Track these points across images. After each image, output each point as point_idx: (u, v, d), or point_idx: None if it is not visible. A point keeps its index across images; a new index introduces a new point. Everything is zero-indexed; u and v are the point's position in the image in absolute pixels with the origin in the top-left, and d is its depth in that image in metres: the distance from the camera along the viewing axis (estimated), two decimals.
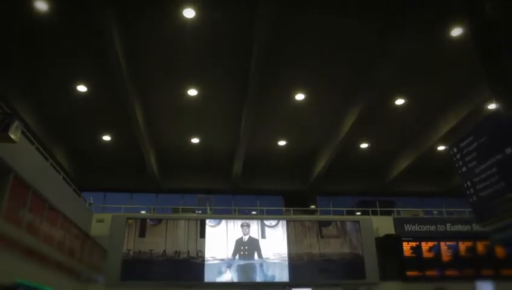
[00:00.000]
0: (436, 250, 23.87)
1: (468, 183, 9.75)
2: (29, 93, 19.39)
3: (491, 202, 9.16)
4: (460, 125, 20.31)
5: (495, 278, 23.39)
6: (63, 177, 20.60)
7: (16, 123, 10.87)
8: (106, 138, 23.69)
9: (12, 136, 10.85)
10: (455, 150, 10.19)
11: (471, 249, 24.09)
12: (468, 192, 9.82)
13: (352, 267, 23.03)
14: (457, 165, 10.08)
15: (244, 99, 19.12)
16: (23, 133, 15.83)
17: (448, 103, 20.70)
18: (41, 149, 17.62)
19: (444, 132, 21.70)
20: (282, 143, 24.69)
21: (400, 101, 20.47)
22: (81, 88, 19.14)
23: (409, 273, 23.18)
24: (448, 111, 21.08)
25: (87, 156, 25.76)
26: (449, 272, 23.42)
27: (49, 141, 22.14)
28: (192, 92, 19.46)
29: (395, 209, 27.25)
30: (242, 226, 23.58)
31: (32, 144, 16.63)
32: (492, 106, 19.13)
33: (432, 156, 25.15)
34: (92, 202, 24.87)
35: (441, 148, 24.09)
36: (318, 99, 20.29)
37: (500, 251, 24.01)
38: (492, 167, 9.00)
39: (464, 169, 9.88)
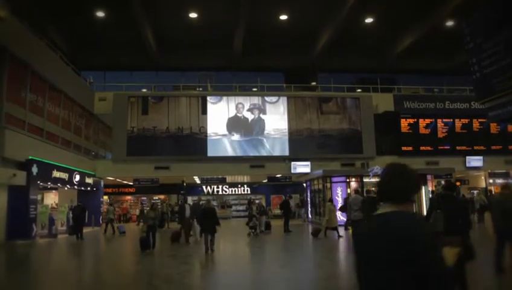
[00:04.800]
0: (433, 127, 24.51)
1: (474, 59, 9.58)
2: None
3: (493, 79, 9.13)
4: None
5: (485, 153, 24.48)
6: (60, 56, 20.24)
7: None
8: (100, 14, 22.61)
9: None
10: (465, 24, 9.81)
11: (467, 126, 24.74)
12: (472, 69, 9.70)
13: (350, 142, 23.87)
14: (465, 40, 9.79)
15: None
16: (13, 13, 15.12)
17: None
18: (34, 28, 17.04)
19: (454, 5, 20.63)
20: (283, 17, 23.65)
21: None
22: None
23: (405, 148, 24.14)
24: None
25: (83, 34, 24.88)
26: (443, 148, 24.40)
27: (42, 20, 21.20)
28: None
29: (395, 86, 27.25)
30: (243, 102, 23.85)
31: (21, 21, 16.00)
32: None
33: (438, 32, 24.30)
34: (92, 80, 24.78)
35: (449, 23, 23.15)
36: None
37: (493, 128, 24.71)
38: (500, 43, 8.77)
39: (472, 45, 9.62)
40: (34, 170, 15.99)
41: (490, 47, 9.07)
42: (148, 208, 18.65)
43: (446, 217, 5.25)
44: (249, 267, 10.03)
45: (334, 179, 22.21)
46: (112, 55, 26.70)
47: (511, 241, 7.19)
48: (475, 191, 26.45)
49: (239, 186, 32.69)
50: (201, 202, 16.23)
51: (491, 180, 26.53)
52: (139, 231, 12.71)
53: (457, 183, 26.02)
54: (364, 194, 15.79)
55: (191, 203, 17.85)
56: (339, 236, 15.29)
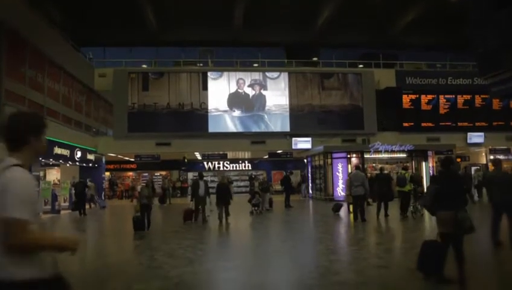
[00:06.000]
0: (435, 103, 24.37)
1: (477, 35, 9.47)
2: None
3: (497, 54, 9.02)
4: None
5: (487, 129, 24.41)
6: (59, 32, 20.00)
7: None
8: None
9: None
10: None
11: (469, 102, 24.59)
12: (475, 44, 9.59)
13: (352, 118, 23.79)
14: (469, 15, 9.66)
15: None
16: None
17: None
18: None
19: None
20: None
21: None
22: None
23: (406, 124, 24.06)
24: None
25: (82, 9, 24.40)
26: (444, 124, 24.30)
27: None
28: None
29: (397, 62, 26.97)
30: (244, 78, 23.68)
31: None
32: None
33: (442, 7, 23.83)
34: (91, 56, 24.56)
35: None
36: None
37: (496, 104, 24.57)
38: (504, 18, 8.63)
39: (475, 20, 9.49)
40: None
41: (494, 22, 8.94)
42: (143, 184, 17.58)
43: (438, 192, 5.32)
44: (253, 246, 10.15)
45: (335, 155, 22.26)
46: (111, 31, 26.36)
47: (506, 213, 7.34)
48: (473, 168, 26.49)
49: (240, 162, 32.82)
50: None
51: (491, 157, 26.54)
52: (133, 208, 12.12)
53: (458, 160, 26.08)
54: (366, 171, 15.82)
55: (192, 180, 17.55)
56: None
